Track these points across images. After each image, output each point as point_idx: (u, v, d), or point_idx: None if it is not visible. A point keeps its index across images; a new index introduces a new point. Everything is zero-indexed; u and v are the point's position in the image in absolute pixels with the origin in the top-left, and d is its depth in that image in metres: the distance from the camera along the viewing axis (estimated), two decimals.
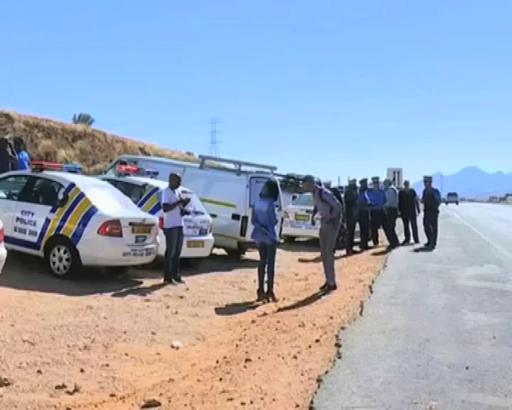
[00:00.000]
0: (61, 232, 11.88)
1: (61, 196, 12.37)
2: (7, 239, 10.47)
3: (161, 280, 12.48)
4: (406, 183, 23.42)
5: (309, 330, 8.57)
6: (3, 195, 13.11)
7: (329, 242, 12.40)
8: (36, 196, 12.88)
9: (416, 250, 19.19)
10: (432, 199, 20.42)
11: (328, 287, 12.04)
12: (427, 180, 20.91)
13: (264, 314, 10.31)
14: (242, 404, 5.55)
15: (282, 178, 25.75)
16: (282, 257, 16.29)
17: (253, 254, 17.19)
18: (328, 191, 12.71)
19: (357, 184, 20.99)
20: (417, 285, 12.36)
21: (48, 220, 12.02)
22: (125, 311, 9.82)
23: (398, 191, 22.02)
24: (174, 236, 12.65)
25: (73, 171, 13.96)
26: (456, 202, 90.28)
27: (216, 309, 10.64)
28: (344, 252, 18.95)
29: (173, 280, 12.49)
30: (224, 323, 9.78)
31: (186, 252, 13.49)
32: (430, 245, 19.71)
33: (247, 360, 7.16)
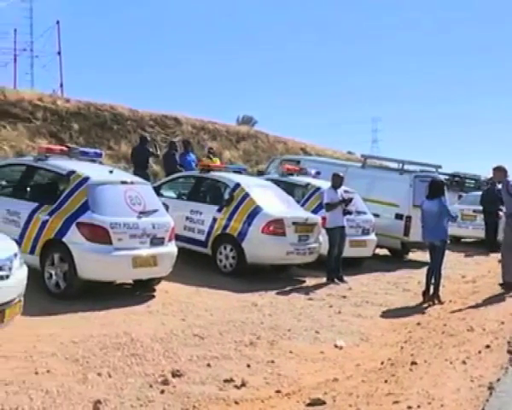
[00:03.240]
0: (227, 231, 12.27)
1: (226, 196, 12.77)
2: (177, 237, 10.99)
3: (324, 279, 12.53)
4: None
5: (478, 335, 8.22)
6: (174, 195, 13.77)
7: (505, 239, 11.82)
8: (203, 195, 13.42)
9: None
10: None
11: (507, 285, 11.42)
12: None
13: (430, 317, 10.05)
14: (409, 408, 5.42)
15: (447, 177, 24.97)
16: (448, 258, 15.75)
17: (416, 255, 16.82)
18: None
19: None
20: None
21: (215, 219, 12.45)
22: (288, 309, 9.96)
23: None
24: (336, 235, 12.65)
25: (238, 171, 14.35)
26: None
27: (379, 310, 10.51)
28: None
29: (336, 280, 12.50)
30: (387, 324, 9.63)
31: (348, 252, 13.44)
32: None
33: (413, 363, 7.00)
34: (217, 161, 17.37)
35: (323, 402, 5.83)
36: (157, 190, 12.37)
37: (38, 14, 42.92)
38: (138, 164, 16.22)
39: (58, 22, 41.23)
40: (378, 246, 15.49)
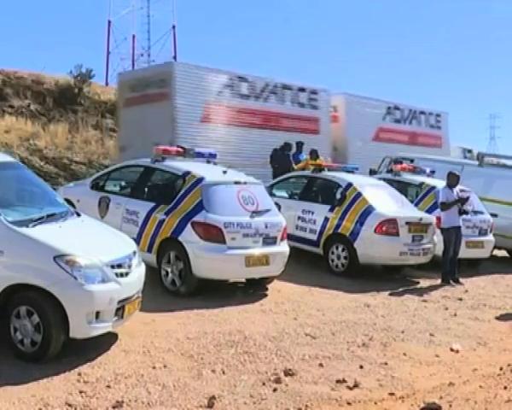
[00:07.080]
0: (339, 231, 12.20)
1: (338, 196, 12.71)
2: (289, 237, 11.05)
3: (438, 281, 12.22)
4: None
5: None
6: (286, 194, 13.85)
7: None
8: (315, 195, 13.41)
9: None
10: None
11: None
12: None
13: None
14: None
15: None
16: None
17: None
18: None
19: None
20: None
21: (326, 219, 12.41)
22: (402, 310, 9.80)
23: None
24: (452, 236, 12.31)
25: (351, 171, 14.24)
26: None
27: (498, 313, 10.11)
28: None
29: (451, 281, 12.15)
30: (507, 328, 9.26)
31: (465, 253, 13.04)
32: None
33: None
34: (322, 161, 17.20)
35: (439, 407, 5.69)
36: (269, 189, 12.49)
37: (155, 19, 44.38)
38: (277, 169, 16.23)
39: (174, 27, 42.47)
40: (496, 247, 14.94)
